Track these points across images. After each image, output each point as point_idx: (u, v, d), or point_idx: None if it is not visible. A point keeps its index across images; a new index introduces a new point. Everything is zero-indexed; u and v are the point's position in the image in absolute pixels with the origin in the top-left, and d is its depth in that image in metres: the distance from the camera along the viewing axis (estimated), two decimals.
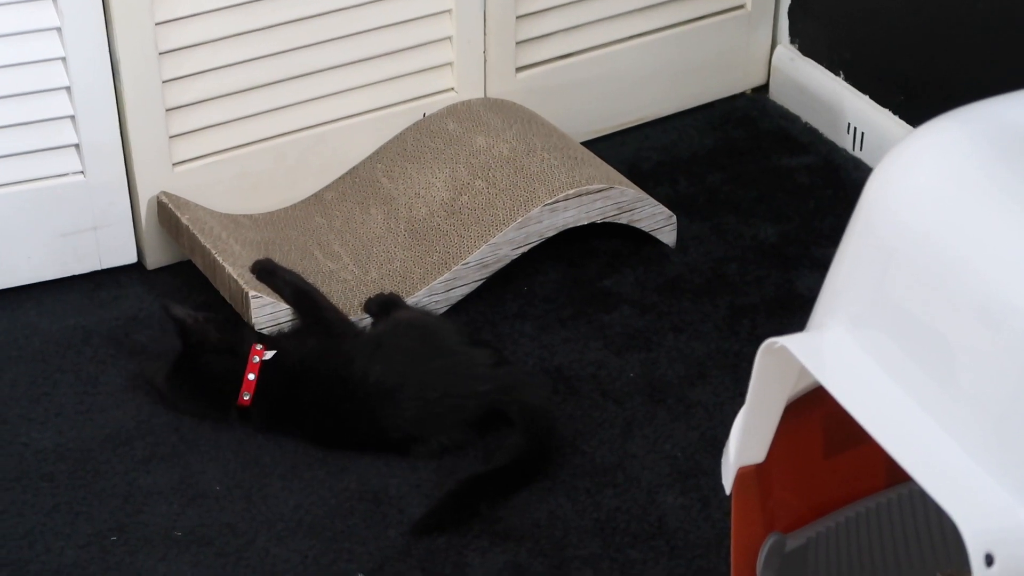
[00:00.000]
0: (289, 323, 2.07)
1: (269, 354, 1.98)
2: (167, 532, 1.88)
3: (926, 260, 1.26)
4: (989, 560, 1.15)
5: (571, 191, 2.18)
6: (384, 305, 2.09)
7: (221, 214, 2.24)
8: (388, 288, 2.13)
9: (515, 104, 2.39)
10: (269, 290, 2.07)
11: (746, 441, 1.43)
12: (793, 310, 2.19)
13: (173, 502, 1.92)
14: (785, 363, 1.36)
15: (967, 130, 1.31)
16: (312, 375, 1.98)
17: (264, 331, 2.06)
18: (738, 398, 2.02)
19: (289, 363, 1.99)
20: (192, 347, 2.00)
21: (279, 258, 2.17)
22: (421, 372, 1.96)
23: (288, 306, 2.06)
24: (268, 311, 2.05)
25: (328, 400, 1.97)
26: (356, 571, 1.83)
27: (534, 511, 1.90)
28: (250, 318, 2.04)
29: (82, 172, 2.17)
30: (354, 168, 2.33)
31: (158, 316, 2.16)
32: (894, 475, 1.52)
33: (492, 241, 2.15)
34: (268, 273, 2.09)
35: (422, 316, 2.09)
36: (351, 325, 2.07)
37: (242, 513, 1.91)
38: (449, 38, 2.32)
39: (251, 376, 1.98)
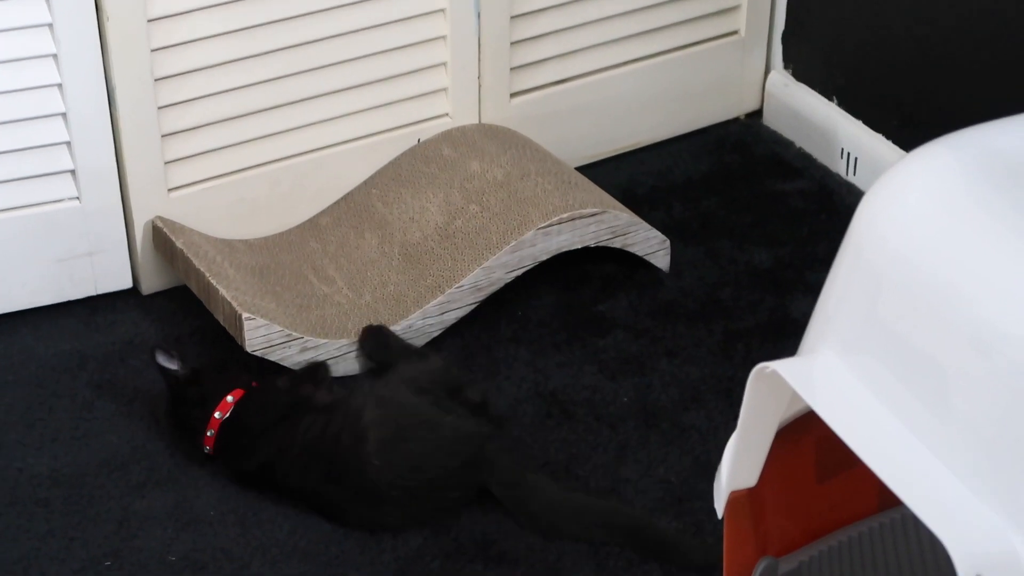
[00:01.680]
0: (281, 347, 2.07)
1: (228, 413, 1.97)
2: (162, 557, 1.88)
3: (916, 286, 1.27)
4: None
5: (565, 215, 2.18)
6: (377, 347, 2.09)
7: (216, 239, 2.24)
8: (382, 311, 2.14)
9: (510, 130, 2.39)
10: (263, 312, 2.07)
11: (738, 465, 1.43)
12: (787, 335, 2.19)
13: (168, 527, 1.92)
14: (777, 388, 1.37)
15: (957, 156, 1.32)
16: (288, 450, 1.93)
17: (257, 353, 2.06)
18: (732, 423, 2.02)
19: (256, 425, 1.97)
20: (176, 393, 2.00)
21: (273, 282, 2.18)
22: (403, 463, 1.90)
23: (280, 327, 2.06)
24: (262, 333, 2.05)
25: (310, 482, 1.93)
26: None
27: (529, 535, 1.90)
28: (244, 340, 2.05)
29: (78, 198, 2.18)
30: (349, 193, 2.34)
31: (153, 342, 2.16)
32: (886, 500, 1.52)
33: (486, 264, 2.16)
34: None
35: (393, 391, 1.98)
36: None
37: (236, 538, 1.91)
38: (444, 64, 2.33)
39: (210, 432, 1.97)
